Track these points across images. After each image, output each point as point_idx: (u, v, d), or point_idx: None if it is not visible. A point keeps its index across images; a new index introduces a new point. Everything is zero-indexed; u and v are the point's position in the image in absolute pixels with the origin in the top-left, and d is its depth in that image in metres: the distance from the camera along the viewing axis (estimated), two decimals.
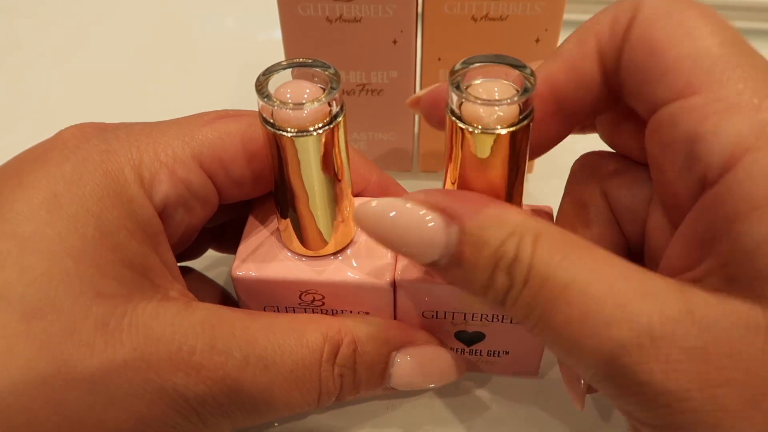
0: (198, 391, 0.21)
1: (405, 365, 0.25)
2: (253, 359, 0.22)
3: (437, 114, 0.24)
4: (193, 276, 0.29)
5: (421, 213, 0.20)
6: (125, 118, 0.29)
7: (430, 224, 0.20)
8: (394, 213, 0.20)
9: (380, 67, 0.34)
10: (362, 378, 0.24)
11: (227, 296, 0.30)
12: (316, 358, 0.23)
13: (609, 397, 0.19)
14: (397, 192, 0.29)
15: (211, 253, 0.32)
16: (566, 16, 0.32)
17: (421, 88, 0.36)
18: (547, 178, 0.39)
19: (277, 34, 0.33)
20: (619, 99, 0.22)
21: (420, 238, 0.20)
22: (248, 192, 0.26)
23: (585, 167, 0.25)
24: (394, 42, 0.33)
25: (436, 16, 0.32)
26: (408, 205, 0.20)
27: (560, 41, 0.32)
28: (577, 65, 0.21)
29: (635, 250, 0.24)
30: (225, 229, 0.30)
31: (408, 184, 0.29)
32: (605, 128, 0.25)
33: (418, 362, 0.25)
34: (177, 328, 0.21)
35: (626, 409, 0.19)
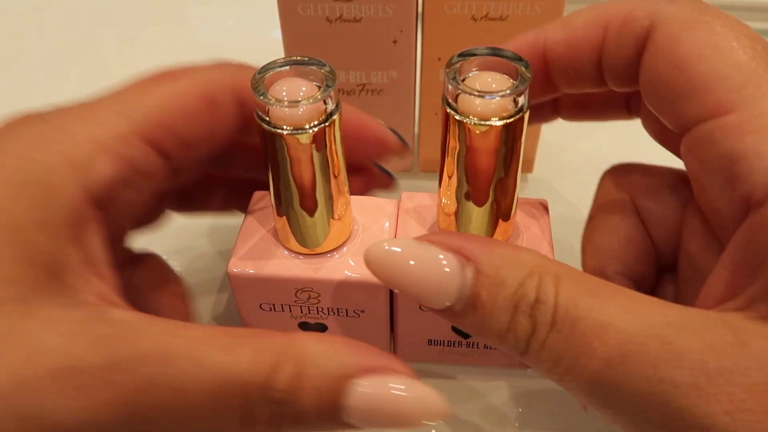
0: (81, 417, 0.17)
1: (363, 398, 0.19)
2: (161, 379, 0.18)
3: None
4: (147, 264, 0.26)
5: (434, 254, 0.19)
6: None
7: (443, 265, 0.18)
8: (403, 253, 0.19)
9: (380, 67, 0.34)
10: (307, 407, 0.18)
11: (182, 290, 0.27)
12: (245, 381, 0.18)
13: None
14: (374, 124, 0.27)
15: (206, 250, 0.31)
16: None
17: (421, 88, 0.36)
18: (547, 178, 0.39)
19: (277, 34, 0.33)
20: (601, 83, 0.22)
21: (433, 281, 0.19)
22: (203, 151, 0.24)
23: (615, 177, 0.25)
24: (394, 42, 0.33)
25: (436, 16, 0.32)
26: (421, 246, 0.19)
27: None
28: (577, 45, 0.22)
29: (664, 259, 0.24)
30: (188, 191, 0.29)
31: (408, 184, 0.29)
32: (650, 124, 0.24)
33: (382, 396, 0.19)
34: (73, 341, 0.17)
35: None
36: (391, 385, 0.19)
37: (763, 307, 0.17)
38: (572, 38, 0.22)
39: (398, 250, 0.19)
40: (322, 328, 0.27)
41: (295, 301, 0.26)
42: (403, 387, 0.19)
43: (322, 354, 0.19)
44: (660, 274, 0.25)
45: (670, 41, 0.19)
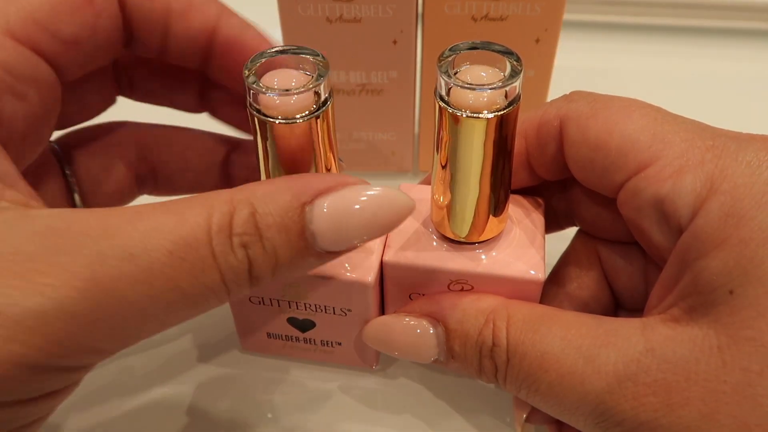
0: (31, 304, 0.16)
1: (324, 218, 0.19)
2: (111, 251, 0.17)
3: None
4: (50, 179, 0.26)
5: (411, 324, 0.24)
6: (126, 117, 0.29)
7: (419, 333, 0.24)
8: (389, 328, 0.25)
9: (380, 67, 0.34)
10: (276, 243, 0.19)
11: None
12: (202, 232, 0.18)
13: None
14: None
15: None
16: (566, 16, 0.32)
17: (421, 88, 0.36)
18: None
19: (277, 34, 0.33)
20: (537, 178, 0.26)
21: (417, 345, 0.24)
22: (95, 53, 0.22)
23: (579, 243, 0.28)
24: (394, 42, 0.33)
25: (436, 16, 0.32)
26: (401, 320, 0.25)
27: (560, 41, 0.33)
28: (518, 154, 0.25)
29: (627, 307, 0.27)
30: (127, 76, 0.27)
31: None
32: (589, 224, 0.27)
33: (344, 209, 0.20)
34: (6, 239, 0.17)
35: None
36: (349, 196, 0.20)
37: (675, 310, 0.20)
38: (517, 148, 0.24)
39: (384, 327, 0.25)
40: (310, 324, 0.28)
41: (283, 296, 0.26)
42: (361, 194, 0.20)
43: (271, 192, 0.19)
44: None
45: (580, 131, 0.23)
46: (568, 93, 0.24)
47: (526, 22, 0.32)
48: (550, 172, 0.25)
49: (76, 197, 0.26)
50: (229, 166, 0.28)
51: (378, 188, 0.20)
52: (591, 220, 0.26)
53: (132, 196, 0.28)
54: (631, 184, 0.22)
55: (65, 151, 0.26)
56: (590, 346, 0.21)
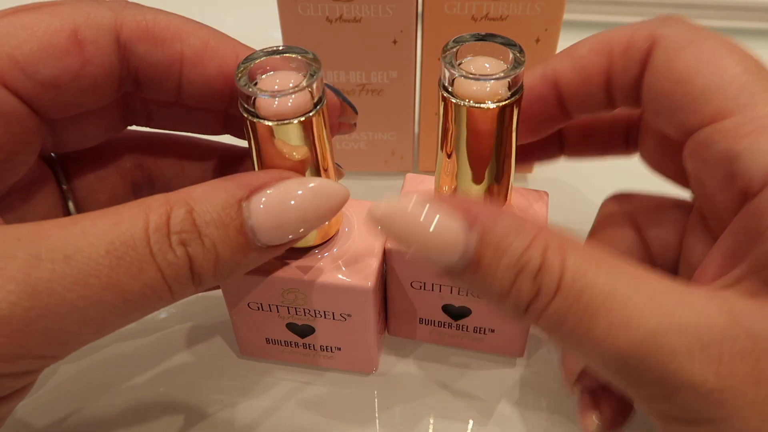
0: None
1: (262, 213, 0.20)
2: (46, 254, 0.17)
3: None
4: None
5: (441, 213, 0.19)
6: None
7: (449, 225, 0.19)
8: (411, 210, 0.19)
9: (380, 67, 0.34)
10: (216, 239, 0.19)
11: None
12: (139, 231, 0.18)
13: (641, 399, 0.19)
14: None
15: None
16: (566, 16, 0.32)
17: (421, 88, 0.36)
18: (547, 178, 0.39)
19: (277, 34, 0.33)
20: (609, 105, 0.24)
21: (439, 240, 0.19)
22: (79, 97, 0.22)
23: (616, 200, 0.27)
24: (394, 42, 0.33)
25: (436, 16, 0.32)
26: (428, 205, 0.19)
27: (560, 41, 0.33)
28: (585, 72, 0.23)
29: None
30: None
31: None
32: (648, 153, 0.26)
33: (280, 203, 0.20)
34: None
35: (661, 408, 0.19)
36: (285, 190, 0.20)
37: (750, 284, 0.19)
38: (579, 66, 0.23)
39: (406, 208, 0.19)
40: (309, 329, 0.28)
41: (282, 301, 0.26)
42: (296, 187, 0.20)
43: (207, 191, 0.20)
44: None
45: (668, 59, 0.21)
46: (664, 15, 0.23)
47: (526, 22, 0.32)
48: (623, 98, 0.23)
49: (71, 205, 0.26)
50: (225, 174, 0.28)
51: (312, 180, 0.21)
52: (649, 155, 0.25)
53: None
54: (704, 133, 0.20)
55: (60, 159, 0.26)
56: (665, 301, 0.18)
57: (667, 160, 0.25)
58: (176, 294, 0.19)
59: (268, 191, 0.20)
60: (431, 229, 0.19)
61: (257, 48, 0.23)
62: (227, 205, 0.20)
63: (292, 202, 0.20)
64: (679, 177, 0.25)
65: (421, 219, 0.19)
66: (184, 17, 0.23)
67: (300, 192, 0.20)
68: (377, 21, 0.32)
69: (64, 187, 0.26)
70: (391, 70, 0.34)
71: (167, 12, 0.23)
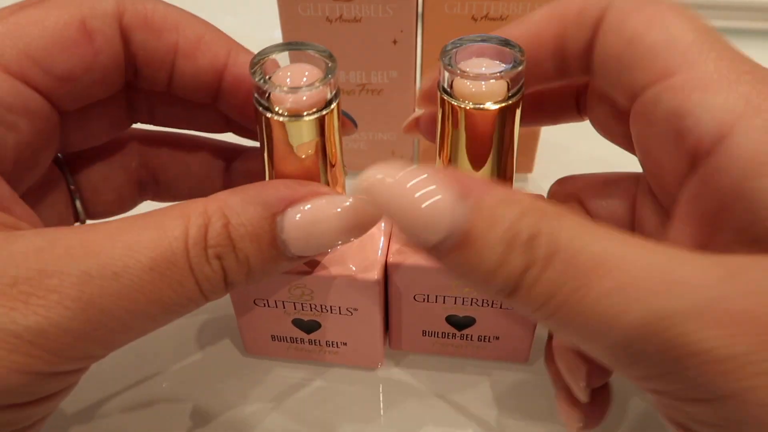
0: (30, 323, 0.18)
1: (295, 228, 0.20)
2: (96, 271, 0.18)
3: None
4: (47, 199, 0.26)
5: (430, 184, 0.18)
6: None
7: (439, 197, 0.17)
8: (399, 179, 0.18)
9: (380, 67, 0.34)
10: (249, 253, 0.20)
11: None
12: (179, 246, 0.19)
13: (641, 379, 0.17)
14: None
15: None
16: None
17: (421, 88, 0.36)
18: (547, 178, 0.39)
19: (277, 34, 0.33)
20: (560, 74, 0.23)
21: (426, 212, 0.17)
22: (92, 88, 0.23)
23: (560, 184, 0.26)
24: (394, 42, 0.33)
25: (436, 16, 0.32)
26: (418, 175, 0.18)
27: None
28: (537, 37, 0.23)
29: None
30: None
31: None
32: (596, 117, 0.25)
33: (312, 219, 0.21)
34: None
35: (665, 389, 0.17)
36: (318, 206, 0.21)
37: (738, 247, 0.18)
38: (532, 31, 0.23)
39: (393, 178, 0.18)
40: (315, 325, 0.28)
41: (288, 297, 0.26)
42: (331, 207, 0.21)
43: (243, 202, 0.20)
44: None
45: (619, 20, 0.21)
46: None
47: None
48: (574, 65, 0.23)
49: (78, 205, 0.26)
50: (230, 173, 0.28)
51: (347, 199, 0.21)
52: (597, 120, 0.25)
53: (133, 203, 0.28)
54: (651, 92, 0.20)
55: (66, 159, 0.26)
56: (660, 261, 0.17)
57: (614, 124, 0.24)
58: (210, 299, 0.20)
59: (304, 207, 0.21)
60: (420, 202, 0.17)
61: (255, 49, 0.23)
62: (262, 219, 0.20)
63: (325, 220, 0.21)
64: (628, 142, 0.24)
65: (410, 189, 0.18)
66: (182, 9, 0.24)
67: (334, 211, 0.21)
68: (377, 21, 0.32)
69: (72, 187, 0.26)
70: (391, 70, 0.34)
71: (166, 3, 0.23)
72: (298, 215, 0.20)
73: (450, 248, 0.18)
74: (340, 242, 0.21)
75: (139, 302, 0.19)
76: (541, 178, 0.39)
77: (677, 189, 0.20)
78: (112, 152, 0.27)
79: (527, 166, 0.38)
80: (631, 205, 0.24)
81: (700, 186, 0.19)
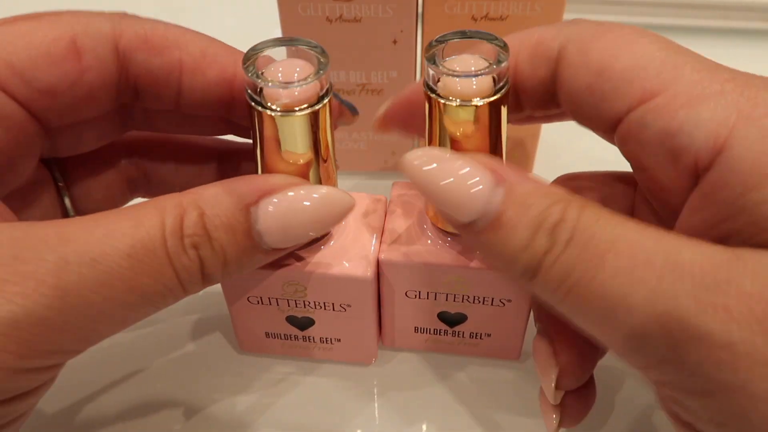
0: (5, 313, 0.17)
1: (269, 218, 0.21)
2: (73, 257, 0.18)
3: (414, 122, 0.24)
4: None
5: (468, 169, 0.19)
6: None
7: (476, 182, 0.19)
8: (441, 164, 0.20)
9: (380, 67, 0.34)
10: (224, 243, 0.20)
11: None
12: (157, 235, 0.19)
13: (646, 368, 0.18)
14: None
15: None
16: (566, 16, 0.32)
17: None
18: (547, 178, 0.39)
19: (277, 34, 0.33)
20: (519, 110, 0.24)
21: (464, 194, 0.19)
22: (78, 104, 0.22)
23: (560, 182, 0.26)
24: (394, 42, 0.33)
25: (436, 16, 0.32)
26: (458, 160, 0.20)
27: None
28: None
29: None
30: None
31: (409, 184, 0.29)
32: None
33: (288, 209, 0.21)
34: None
35: (668, 379, 0.18)
36: (292, 196, 0.21)
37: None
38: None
39: (435, 163, 0.20)
40: (309, 322, 0.28)
41: (282, 294, 0.26)
42: (304, 194, 0.21)
43: (217, 194, 0.20)
44: None
45: (581, 53, 0.21)
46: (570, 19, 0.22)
47: (526, 22, 0.32)
48: (534, 101, 0.23)
49: (67, 202, 0.26)
50: (222, 170, 0.28)
51: (320, 188, 0.21)
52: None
53: (124, 200, 0.28)
54: (635, 116, 0.20)
55: (56, 158, 0.26)
56: (671, 241, 0.17)
57: (605, 136, 0.23)
58: (188, 291, 0.20)
59: (275, 198, 0.21)
60: (457, 185, 0.19)
61: None
62: (236, 210, 0.20)
63: (299, 210, 0.21)
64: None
65: (448, 172, 0.20)
66: (181, 27, 0.24)
67: (307, 202, 0.21)
68: (377, 21, 0.32)
69: (61, 185, 0.26)
70: (391, 70, 0.34)
71: (165, 22, 0.23)
72: (271, 207, 0.21)
73: (481, 228, 0.19)
74: (313, 233, 0.22)
75: (118, 290, 0.19)
76: (541, 178, 0.39)
77: (679, 203, 0.20)
78: (103, 151, 0.27)
79: (527, 166, 0.38)
80: (631, 205, 0.25)
81: (701, 199, 0.19)
